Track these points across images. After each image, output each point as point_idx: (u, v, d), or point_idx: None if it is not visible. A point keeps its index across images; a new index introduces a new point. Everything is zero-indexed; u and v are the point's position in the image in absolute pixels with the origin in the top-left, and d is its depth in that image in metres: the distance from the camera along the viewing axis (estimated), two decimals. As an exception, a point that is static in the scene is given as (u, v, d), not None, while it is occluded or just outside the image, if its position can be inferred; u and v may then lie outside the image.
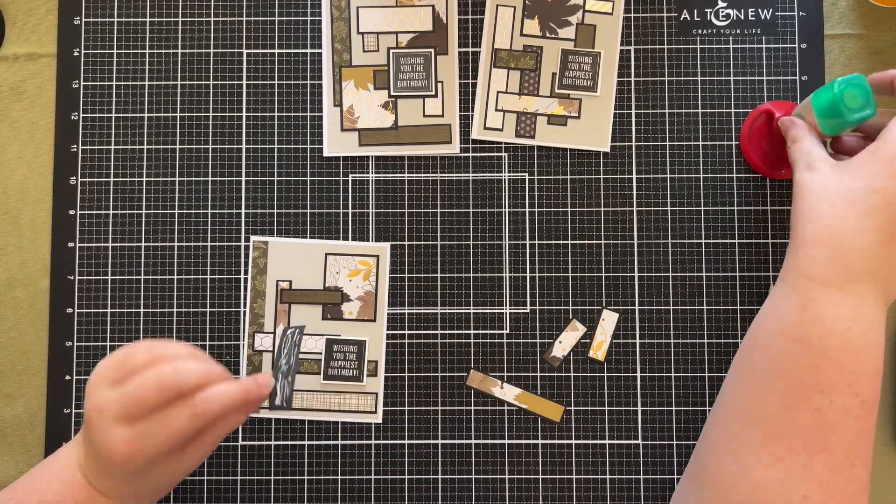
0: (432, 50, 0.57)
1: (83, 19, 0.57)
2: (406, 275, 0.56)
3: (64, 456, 0.46)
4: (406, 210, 0.56)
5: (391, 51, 0.57)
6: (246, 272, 0.56)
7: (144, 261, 0.56)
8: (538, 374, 0.55)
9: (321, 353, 0.55)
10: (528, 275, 0.56)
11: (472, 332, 0.56)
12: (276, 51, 0.57)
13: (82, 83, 0.57)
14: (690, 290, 0.55)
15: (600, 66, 0.57)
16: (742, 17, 0.57)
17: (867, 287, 0.43)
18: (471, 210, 0.56)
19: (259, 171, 0.56)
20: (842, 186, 0.44)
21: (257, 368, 0.55)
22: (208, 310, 0.56)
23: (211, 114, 0.57)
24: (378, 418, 0.55)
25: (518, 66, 0.57)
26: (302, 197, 0.56)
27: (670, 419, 0.55)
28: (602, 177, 0.56)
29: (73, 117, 0.57)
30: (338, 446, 0.55)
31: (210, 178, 0.56)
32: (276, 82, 0.57)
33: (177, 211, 0.56)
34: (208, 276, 0.55)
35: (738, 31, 0.57)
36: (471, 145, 0.57)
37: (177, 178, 0.56)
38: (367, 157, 0.57)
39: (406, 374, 0.55)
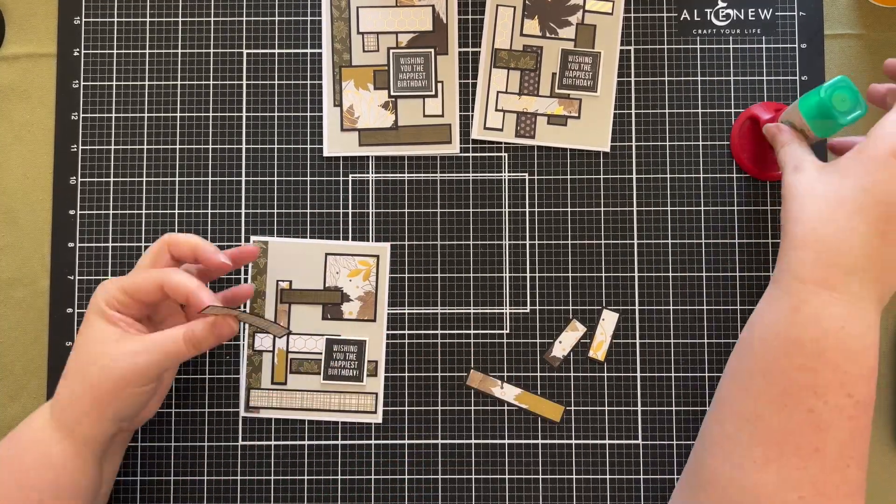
0: (432, 50, 0.57)
1: (83, 19, 0.57)
2: (406, 275, 0.56)
3: (30, 427, 0.47)
4: (406, 210, 0.56)
5: (391, 51, 0.57)
6: (246, 272, 0.56)
7: (144, 261, 0.56)
8: (538, 374, 0.55)
9: (321, 353, 0.55)
10: (528, 275, 0.56)
11: (472, 332, 0.56)
12: (276, 51, 0.57)
13: (82, 83, 0.57)
14: (690, 290, 0.55)
15: (600, 66, 0.57)
16: (742, 17, 0.57)
17: (860, 286, 0.43)
18: (471, 210, 0.56)
19: (259, 171, 0.56)
20: (829, 188, 0.44)
21: (257, 368, 0.55)
22: (208, 310, 0.55)
23: (211, 114, 0.57)
24: (378, 418, 0.55)
25: (518, 66, 0.57)
26: (302, 197, 0.56)
27: (670, 419, 0.55)
28: (602, 177, 0.56)
29: (73, 117, 0.57)
30: (338, 446, 0.55)
31: (210, 178, 0.56)
32: (276, 82, 0.57)
33: (177, 211, 0.56)
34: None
35: (738, 31, 0.57)
36: (471, 145, 0.57)
37: (177, 178, 0.56)
38: (367, 157, 0.57)
39: (406, 374, 0.55)
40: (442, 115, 0.57)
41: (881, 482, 0.55)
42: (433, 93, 0.57)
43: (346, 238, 0.56)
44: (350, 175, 0.57)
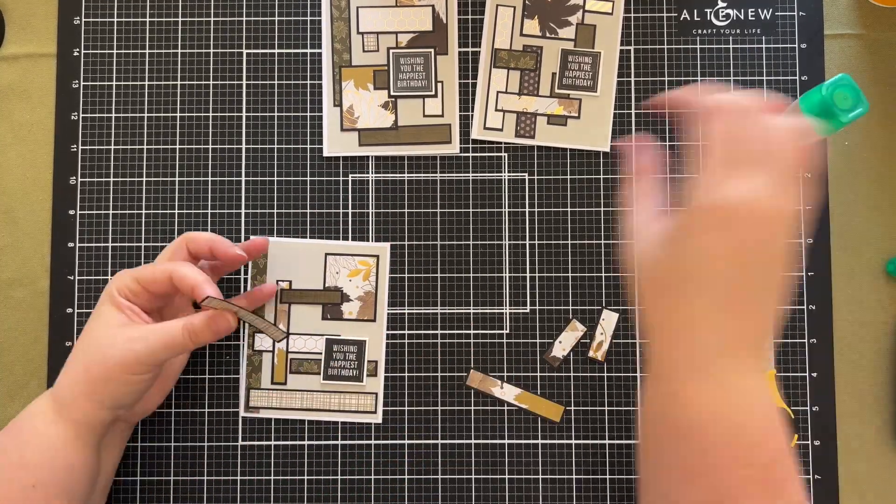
0: (432, 50, 0.57)
1: (83, 19, 0.57)
2: (406, 275, 0.56)
3: (31, 408, 0.48)
4: (406, 210, 0.56)
5: (391, 51, 0.57)
6: (246, 272, 0.56)
7: (145, 261, 0.56)
8: (538, 374, 0.55)
9: (321, 354, 0.55)
10: (528, 275, 0.56)
11: (472, 332, 0.56)
12: (276, 51, 0.57)
13: (82, 83, 0.57)
14: (690, 290, 0.55)
15: (600, 66, 0.57)
16: (742, 17, 0.57)
17: (726, 362, 0.39)
18: (471, 210, 0.56)
19: (259, 171, 0.56)
20: (661, 284, 0.41)
21: (257, 368, 0.55)
22: (208, 310, 0.55)
23: (211, 114, 0.57)
24: (378, 418, 0.55)
25: (518, 66, 0.57)
26: (302, 197, 0.56)
27: (670, 419, 0.55)
28: (602, 177, 0.56)
29: (72, 117, 0.57)
30: (338, 446, 0.55)
31: (210, 178, 0.56)
32: (276, 82, 0.57)
33: (177, 211, 0.56)
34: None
35: (738, 31, 0.57)
36: (471, 145, 0.57)
37: (177, 178, 0.56)
38: (367, 157, 0.57)
39: (406, 374, 0.55)
40: (442, 115, 0.57)
41: (881, 482, 0.55)
42: (433, 93, 0.57)
43: (346, 238, 0.56)
44: (350, 175, 0.57)
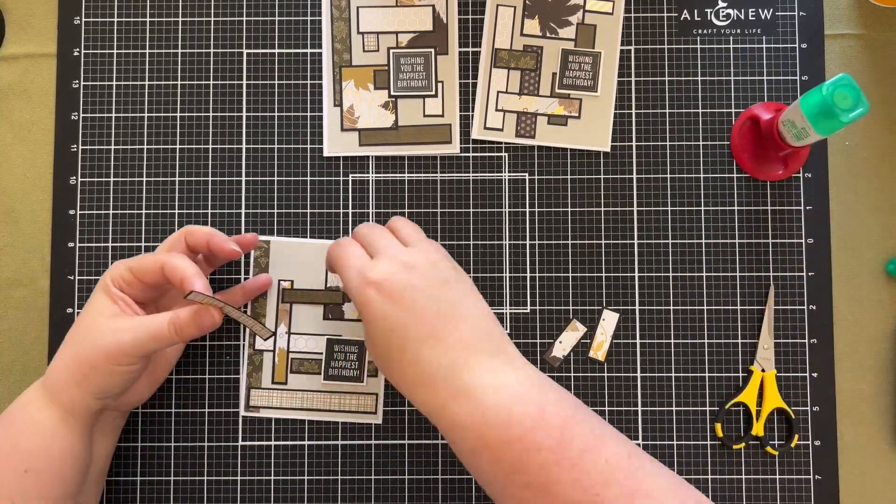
0: (432, 50, 0.57)
1: (83, 19, 0.57)
2: (406, 275, 0.56)
3: (23, 394, 0.48)
4: (406, 210, 0.56)
5: (391, 51, 0.57)
6: (247, 272, 0.56)
7: (144, 261, 0.56)
8: (538, 374, 0.55)
9: (322, 354, 0.55)
10: (528, 275, 0.56)
11: (472, 332, 0.55)
12: (276, 51, 0.57)
13: (82, 83, 0.57)
14: (690, 290, 0.56)
15: (600, 66, 0.57)
16: (742, 17, 0.57)
17: (454, 376, 0.44)
18: (471, 210, 0.56)
19: (259, 171, 0.56)
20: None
21: (257, 368, 0.55)
22: (208, 310, 0.55)
23: (211, 114, 0.57)
24: (378, 418, 0.55)
25: (518, 66, 0.57)
26: (302, 197, 0.56)
27: (670, 419, 0.55)
28: (602, 177, 0.56)
29: (73, 117, 0.57)
30: (338, 446, 0.55)
31: (210, 178, 0.56)
32: (276, 82, 0.57)
33: (177, 211, 0.56)
34: (210, 277, 0.55)
35: (738, 30, 0.57)
36: (471, 145, 0.57)
37: (177, 178, 0.56)
38: (367, 157, 0.57)
39: (406, 374, 0.55)
40: (442, 115, 0.57)
41: (881, 482, 0.55)
42: (433, 93, 0.57)
43: (346, 238, 0.56)
44: (350, 175, 0.57)
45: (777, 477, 0.54)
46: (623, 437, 0.44)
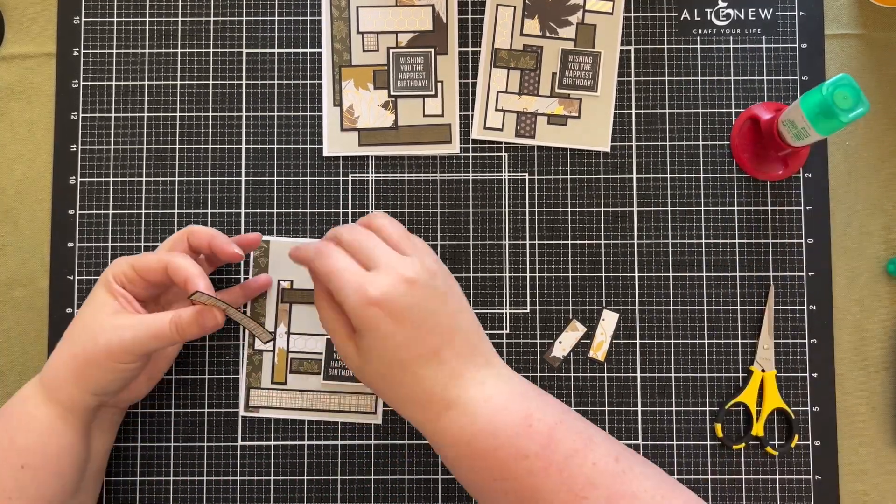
0: (432, 50, 0.57)
1: (83, 19, 0.57)
2: (406, 275, 0.56)
3: (20, 399, 0.48)
4: (406, 210, 0.56)
5: (391, 50, 0.57)
6: (247, 272, 0.56)
7: (144, 261, 0.56)
8: (538, 374, 0.55)
9: (321, 353, 0.55)
10: (528, 275, 0.56)
11: (472, 332, 0.55)
12: (276, 51, 0.57)
13: (82, 83, 0.57)
14: (690, 290, 0.55)
15: (600, 66, 0.57)
16: (742, 17, 0.57)
17: (445, 387, 0.44)
18: (471, 210, 0.56)
19: (259, 171, 0.56)
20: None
21: (257, 368, 0.55)
22: (208, 310, 0.55)
23: (211, 114, 0.57)
24: (378, 418, 0.55)
25: (518, 65, 0.57)
26: (302, 197, 0.56)
27: (670, 419, 0.55)
28: (602, 177, 0.56)
29: (72, 117, 0.57)
30: (338, 446, 0.55)
31: (210, 178, 0.56)
32: (275, 82, 0.57)
33: (176, 211, 0.56)
34: (209, 276, 0.55)
35: (738, 30, 0.57)
36: (471, 145, 0.57)
37: (177, 178, 0.56)
38: (367, 156, 0.57)
39: (406, 374, 0.55)
40: (442, 115, 0.57)
41: (881, 482, 0.55)
42: (433, 93, 0.57)
43: (346, 238, 0.56)
44: (350, 175, 0.56)
45: (777, 477, 0.54)
46: (612, 440, 0.45)
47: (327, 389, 0.55)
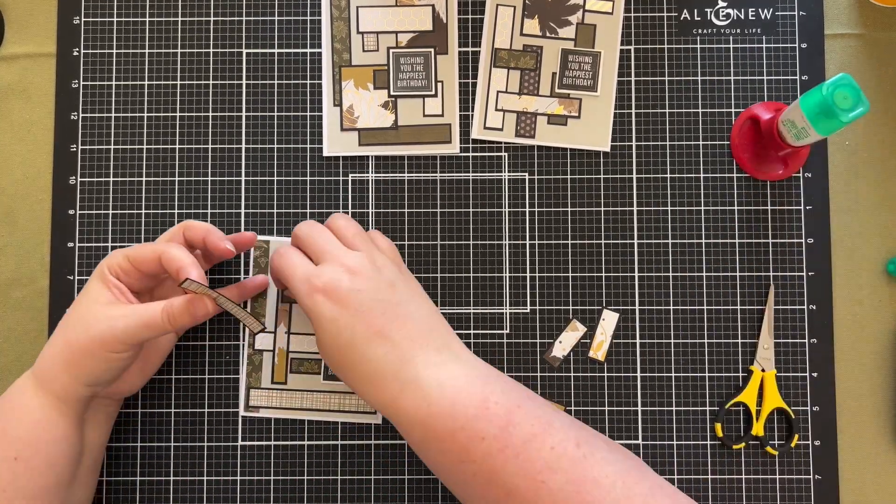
0: (432, 50, 0.57)
1: (83, 19, 0.57)
2: (406, 275, 0.56)
3: (13, 390, 0.48)
4: (406, 210, 0.56)
5: (391, 50, 0.57)
6: (247, 272, 0.56)
7: (144, 261, 0.56)
8: (538, 374, 0.55)
9: (321, 353, 0.55)
10: (528, 275, 0.56)
11: (472, 332, 0.55)
12: (276, 51, 0.57)
13: (82, 83, 0.57)
14: (690, 290, 0.55)
15: (600, 66, 0.57)
16: (742, 17, 0.57)
17: (401, 370, 0.45)
18: (471, 210, 0.56)
19: (259, 171, 0.56)
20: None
21: (257, 368, 0.55)
22: (208, 310, 0.55)
23: (211, 114, 0.57)
24: (378, 418, 0.55)
25: (518, 65, 0.57)
26: (302, 197, 0.56)
27: (670, 419, 0.55)
28: (602, 177, 0.56)
29: (72, 117, 0.57)
30: (338, 446, 0.55)
31: (209, 178, 0.56)
32: (275, 82, 0.57)
33: (176, 211, 0.56)
34: (209, 276, 0.55)
35: (738, 30, 0.57)
36: (471, 145, 0.57)
37: (176, 178, 0.56)
38: (367, 156, 0.57)
39: (406, 374, 0.55)
40: (442, 115, 0.57)
41: (881, 482, 0.55)
42: (433, 92, 0.57)
43: (346, 238, 0.56)
44: (350, 175, 0.56)
45: (777, 477, 0.54)
46: (577, 425, 0.45)
47: (327, 389, 0.55)
